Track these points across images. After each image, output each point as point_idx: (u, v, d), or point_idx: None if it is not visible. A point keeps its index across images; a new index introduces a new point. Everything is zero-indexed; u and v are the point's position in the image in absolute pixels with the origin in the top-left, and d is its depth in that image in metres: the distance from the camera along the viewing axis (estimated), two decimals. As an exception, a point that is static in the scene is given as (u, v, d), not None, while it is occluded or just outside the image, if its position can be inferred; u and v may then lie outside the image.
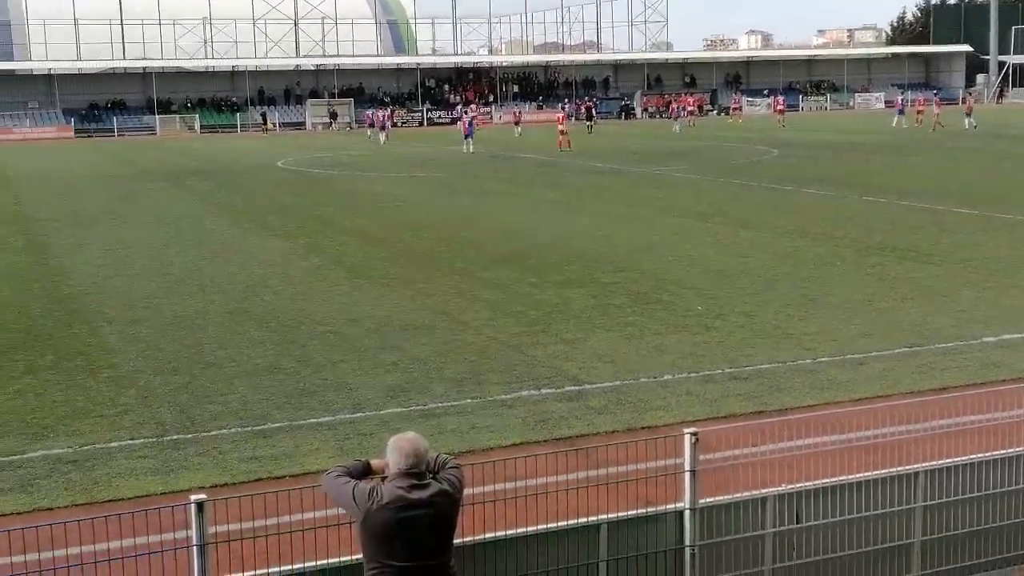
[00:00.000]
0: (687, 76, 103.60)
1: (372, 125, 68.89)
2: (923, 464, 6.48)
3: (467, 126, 53.08)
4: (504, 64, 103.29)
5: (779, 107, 77.06)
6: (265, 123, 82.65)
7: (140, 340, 13.98)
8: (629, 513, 5.91)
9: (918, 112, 64.50)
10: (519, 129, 67.64)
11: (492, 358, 12.74)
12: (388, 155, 50.46)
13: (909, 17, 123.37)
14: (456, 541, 5.30)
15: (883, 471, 6.49)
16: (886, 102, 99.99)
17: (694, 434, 5.89)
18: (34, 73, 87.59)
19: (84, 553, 5.46)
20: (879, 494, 6.35)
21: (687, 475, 5.91)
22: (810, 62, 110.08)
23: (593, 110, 71.36)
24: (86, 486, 8.95)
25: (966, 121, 59.08)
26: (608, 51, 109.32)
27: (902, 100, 71.64)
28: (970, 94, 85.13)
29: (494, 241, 22.00)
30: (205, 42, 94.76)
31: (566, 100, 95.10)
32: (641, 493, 6.39)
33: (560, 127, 52.21)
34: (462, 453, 8.87)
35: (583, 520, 5.81)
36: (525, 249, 20.78)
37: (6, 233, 25.11)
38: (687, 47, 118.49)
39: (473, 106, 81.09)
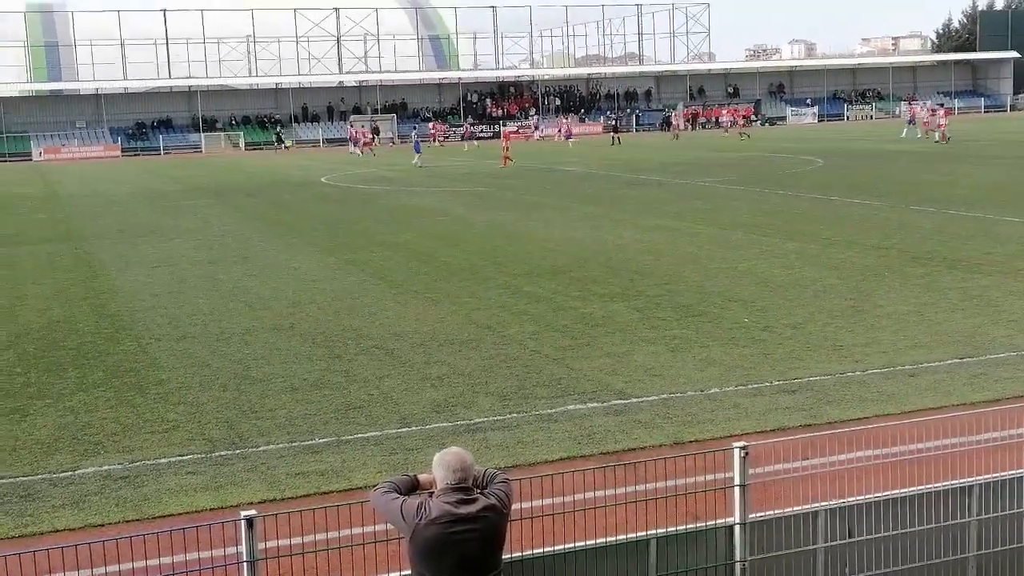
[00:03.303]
0: (730, 86, 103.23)
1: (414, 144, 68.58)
2: (978, 478, 6.37)
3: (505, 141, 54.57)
4: (546, 78, 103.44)
5: (740, 120, 76.74)
6: (280, 141, 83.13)
7: (188, 356, 14.11)
8: (678, 528, 5.86)
9: (924, 124, 63.39)
10: (571, 142, 69.05)
11: (537, 372, 12.72)
12: (430, 170, 50.66)
13: (955, 24, 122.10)
14: (505, 556, 5.28)
15: (937, 485, 6.39)
16: (931, 110, 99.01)
17: (744, 448, 5.83)
18: (81, 93, 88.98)
19: (136, 569, 5.51)
20: (933, 508, 6.25)
21: (737, 490, 5.85)
22: (855, 71, 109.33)
23: (617, 123, 75.42)
24: (137, 502, 9.03)
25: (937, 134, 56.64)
26: (650, 63, 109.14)
27: (915, 110, 70.71)
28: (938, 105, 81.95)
29: (538, 255, 22.00)
30: (249, 60, 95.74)
31: (608, 112, 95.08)
32: (689, 508, 6.34)
33: (504, 143, 54.58)
34: (508, 468, 8.85)
35: (632, 536, 5.77)
36: (569, 262, 20.75)
37: (56, 251, 25.46)
38: (730, 57, 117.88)
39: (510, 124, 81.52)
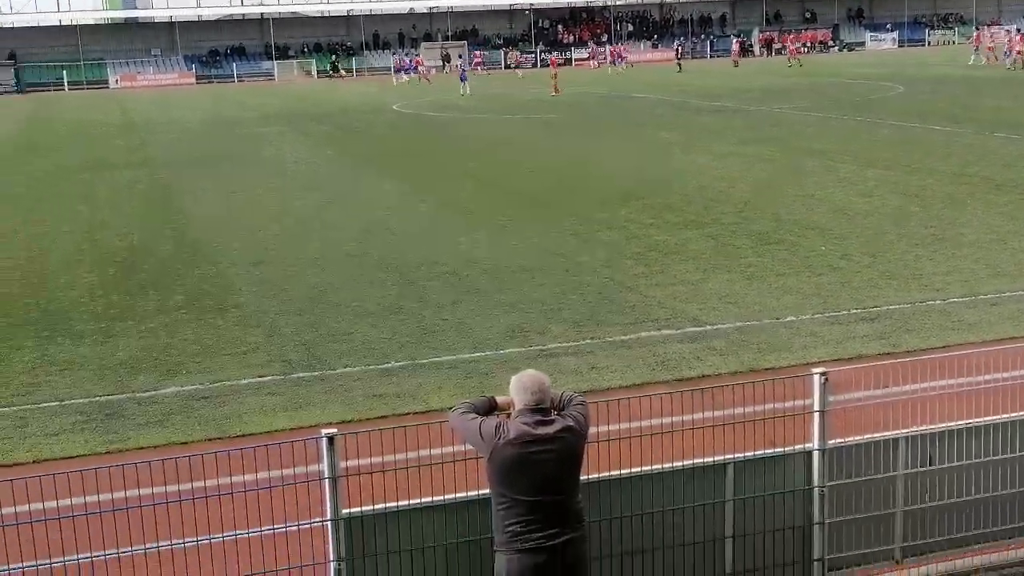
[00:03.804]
0: (807, 11, 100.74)
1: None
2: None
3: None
4: (619, 3, 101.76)
5: (795, 46, 74.41)
6: (336, 69, 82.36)
7: (265, 281, 14.30)
8: (756, 453, 5.84)
9: (989, 48, 61.17)
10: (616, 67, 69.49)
11: (610, 299, 12.70)
12: (501, 98, 50.36)
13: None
14: (583, 477, 5.31)
15: (1017, 414, 6.29)
16: (995, 35, 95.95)
17: (823, 374, 5.78)
18: (156, 21, 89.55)
19: (221, 485, 5.63)
20: (1013, 437, 6.16)
21: (816, 415, 5.81)
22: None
23: (680, 50, 75.02)
24: (218, 421, 9.23)
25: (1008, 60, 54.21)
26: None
27: (981, 35, 68.08)
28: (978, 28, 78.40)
29: (609, 182, 21.84)
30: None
31: (681, 38, 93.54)
32: (765, 434, 6.30)
33: (553, 71, 53.85)
34: (583, 392, 8.87)
35: (709, 459, 5.77)
36: (641, 190, 20.58)
37: (134, 177, 25.86)
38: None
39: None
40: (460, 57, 73.26)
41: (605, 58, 78.27)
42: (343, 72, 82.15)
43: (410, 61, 74.25)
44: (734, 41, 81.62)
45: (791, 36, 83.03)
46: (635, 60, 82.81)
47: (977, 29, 75.88)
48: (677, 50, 74.98)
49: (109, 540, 5.49)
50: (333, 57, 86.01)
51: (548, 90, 50.67)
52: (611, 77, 65.09)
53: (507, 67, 79.81)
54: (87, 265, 15.78)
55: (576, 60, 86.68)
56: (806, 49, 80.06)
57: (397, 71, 71.65)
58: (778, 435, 6.27)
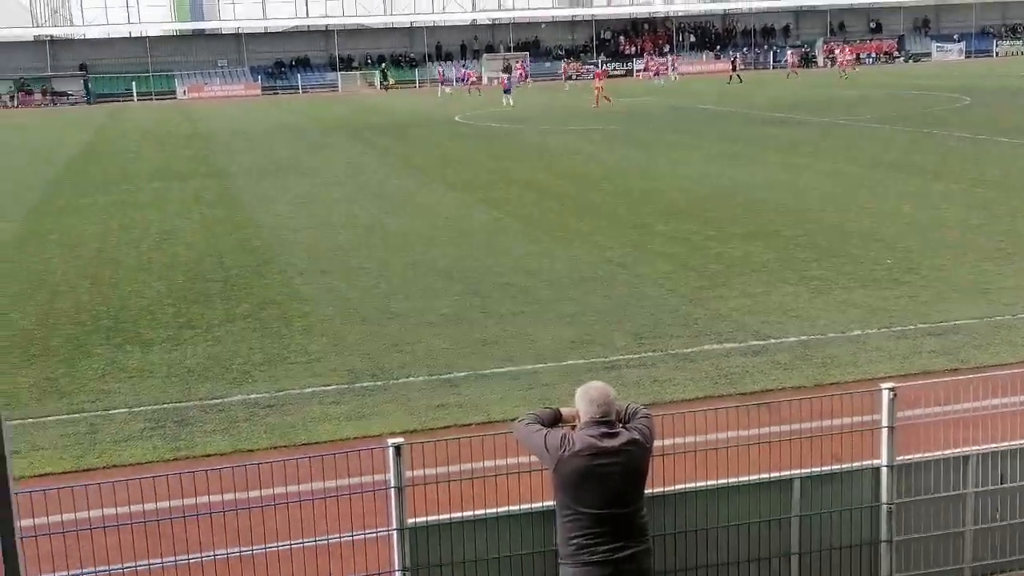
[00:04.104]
0: (872, 22, 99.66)
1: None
2: None
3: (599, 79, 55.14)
4: (680, 13, 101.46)
5: (846, 57, 73.54)
6: (385, 79, 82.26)
7: (330, 290, 14.45)
8: (823, 468, 5.79)
9: None
10: (668, 78, 69.70)
11: (673, 311, 12.65)
12: (562, 108, 50.40)
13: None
14: (647, 491, 5.30)
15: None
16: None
17: (892, 389, 5.72)
18: (223, 32, 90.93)
19: (288, 493, 5.71)
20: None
21: (884, 431, 5.75)
22: (1005, 4, 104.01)
23: (735, 62, 74.19)
24: (283, 429, 9.34)
25: None
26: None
27: None
28: None
29: (671, 193, 21.76)
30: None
31: (744, 49, 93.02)
32: (830, 449, 6.25)
33: (597, 83, 53.34)
34: (646, 406, 8.85)
35: (775, 474, 5.73)
36: (704, 202, 20.48)
37: (201, 187, 26.26)
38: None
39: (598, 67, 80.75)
40: (505, 71, 73.52)
41: (666, 68, 78.16)
42: (391, 83, 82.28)
43: (462, 72, 74.64)
44: (789, 52, 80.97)
45: (840, 47, 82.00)
46: (695, 71, 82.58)
47: None
48: (732, 62, 74.24)
49: (179, 546, 5.59)
50: (383, 66, 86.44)
51: (591, 102, 50.63)
52: (664, 88, 64.90)
53: (567, 78, 79.86)
54: (156, 273, 16.05)
55: (637, 71, 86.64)
56: (860, 60, 79.15)
57: (441, 83, 72.18)
58: (844, 451, 6.21)
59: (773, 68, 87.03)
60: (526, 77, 79.08)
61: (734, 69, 70.50)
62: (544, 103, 53.67)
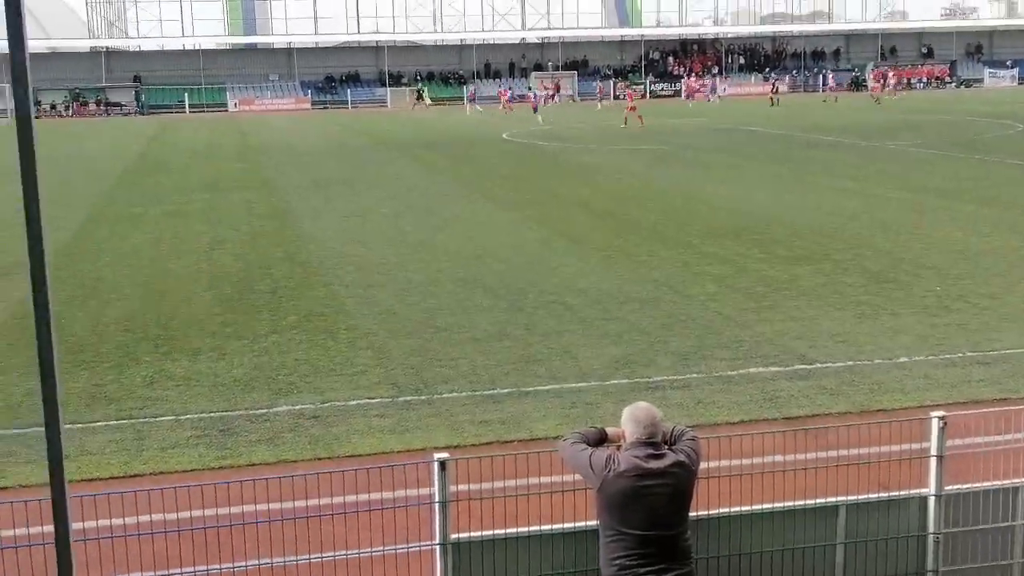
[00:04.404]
0: (924, 47, 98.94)
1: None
2: None
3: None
4: (730, 35, 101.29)
5: (884, 82, 73.42)
6: (420, 98, 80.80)
7: (376, 304, 14.53)
8: (870, 496, 5.75)
9: None
10: (708, 100, 69.48)
11: (718, 333, 12.59)
12: (610, 128, 50.44)
13: None
14: (692, 513, 5.28)
15: None
16: None
17: (942, 418, 5.66)
18: (275, 47, 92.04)
19: (335, 504, 5.75)
20: None
21: (932, 460, 5.69)
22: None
23: (776, 84, 74.80)
24: (327, 441, 9.39)
25: None
26: (839, 20, 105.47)
27: None
28: None
29: (719, 214, 21.69)
30: (435, 16, 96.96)
31: (793, 72, 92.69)
32: (876, 477, 6.20)
33: (630, 103, 53.59)
34: (691, 427, 8.82)
35: (821, 500, 5.69)
36: (751, 223, 20.39)
37: (252, 199, 26.53)
38: (924, 16, 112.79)
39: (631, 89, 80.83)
40: (529, 89, 73.89)
41: (704, 89, 78.08)
42: (427, 101, 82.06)
43: (499, 91, 75.06)
44: (828, 75, 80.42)
45: (874, 72, 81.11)
46: (742, 92, 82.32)
47: None
48: (773, 85, 73.98)
49: (224, 554, 5.65)
50: (419, 85, 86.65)
51: (620, 122, 50.70)
52: (702, 110, 64.72)
53: (615, 97, 79.87)
54: (204, 283, 16.23)
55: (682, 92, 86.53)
56: (911, 85, 78.58)
57: (471, 101, 72.63)
58: (892, 478, 6.16)
59: (823, 91, 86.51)
60: (553, 96, 79.25)
61: (775, 91, 70.30)
62: (574, 121, 53.75)
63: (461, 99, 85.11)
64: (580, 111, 67.27)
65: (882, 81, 77.22)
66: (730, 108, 66.27)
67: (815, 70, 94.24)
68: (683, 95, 78.92)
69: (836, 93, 72.58)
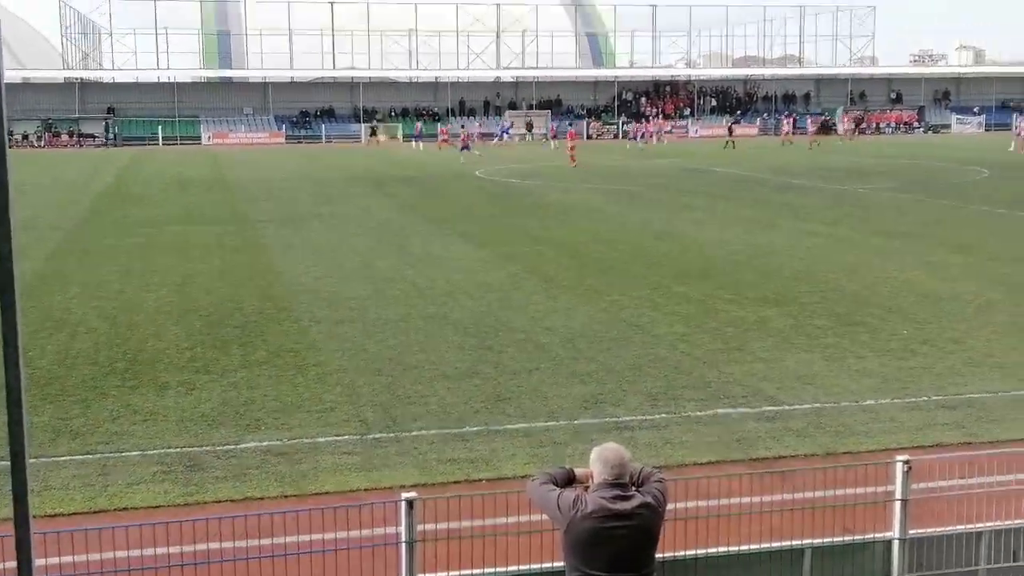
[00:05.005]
0: (893, 92, 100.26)
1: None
2: None
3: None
4: (702, 77, 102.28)
5: (785, 130, 73.41)
6: (374, 134, 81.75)
7: (346, 340, 14.51)
8: (835, 539, 5.78)
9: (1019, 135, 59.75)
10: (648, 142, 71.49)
11: (687, 374, 12.66)
12: (583, 167, 50.71)
13: None
14: (657, 555, 5.30)
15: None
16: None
17: (907, 462, 5.72)
18: (250, 81, 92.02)
19: (300, 543, 5.72)
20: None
21: (897, 504, 5.74)
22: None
23: (731, 127, 75.11)
24: (294, 478, 9.35)
25: None
26: (810, 65, 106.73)
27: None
28: None
29: (689, 255, 21.83)
30: (411, 53, 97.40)
31: (764, 115, 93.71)
32: (841, 520, 6.23)
33: (570, 143, 54.96)
34: (659, 468, 8.85)
35: (787, 543, 5.73)
36: (721, 265, 20.54)
37: (224, 233, 26.46)
38: (893, 62, 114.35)
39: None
40: (463, 127, 73.73)
41: (650, 132, 78.22)
42: (380, 139, 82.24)
43: (440, 129, 74.74)
44: (784, 119, 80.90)
45: (846, 116, 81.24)
46: (712, 135, 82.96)
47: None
48: (729, 127, 74.55)
49: (188, 591, 5.61)
50: (373, 122, 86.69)
51: (567, 162, 51.17)
52: (642, 152, 65.20)
53: (554, 138, 79.96)
54: (174, 317, 16.15)
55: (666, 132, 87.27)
56: (879, 129, 79.07)
57: (416, 138, 72.96)
58: (857, 522, 6.20)
59: (793, 134, 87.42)
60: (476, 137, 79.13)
61: (730, 134, 70.87)
62: (510, 160, 54.01)
63: (435, 136, 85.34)
64: (525, 150, 67.81)
65: (850, 125, 77.99)
66: (667, 149, 66.75)
67: (786, 113, 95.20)
68: (633, 135, 79.16)
69: (795, 137, 72.36)
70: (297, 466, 9.65)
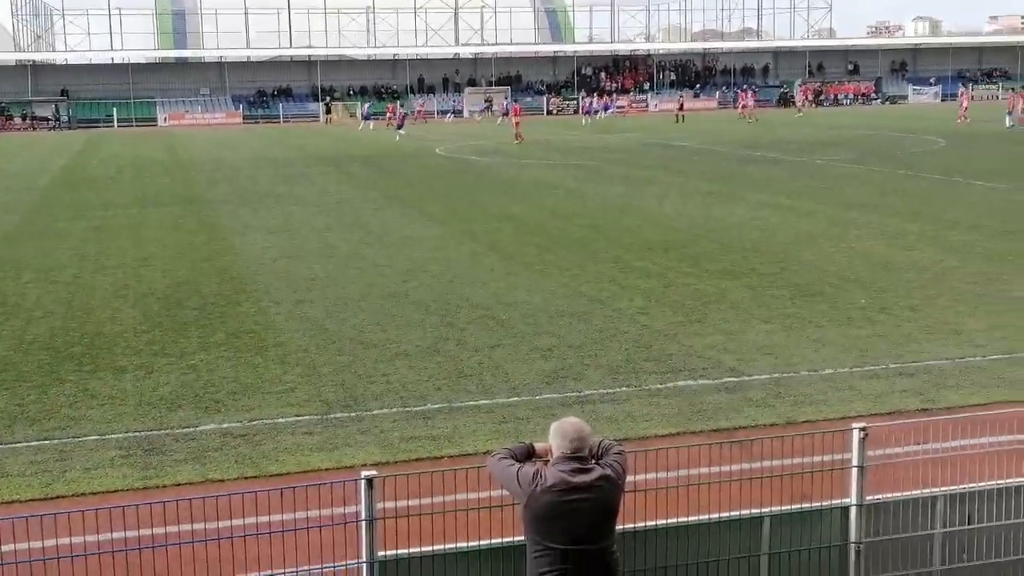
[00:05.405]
0: (850, 63, 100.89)
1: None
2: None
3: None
4: (661, 52, 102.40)
5: (744, 103, 72.33)
6: (328, 112, 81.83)
7: (306, 320, 14.43)
8: (793, 507, 5.82)
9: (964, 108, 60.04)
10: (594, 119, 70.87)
11: (647, 347, 12.70)
12: (543, 143, 50.66)
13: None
14: (618, 527, 5.31)
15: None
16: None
17: (863, 429, 5.76)
18: (206, 61, 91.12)
19: (259, 523, 5.69)
20: (1056, 498, 6.10)
21: (854, 471, 5.79)
22: (981, 49, 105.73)
23: (683, 102, 74.76)
24: (255, 459, 9.30)
25: (1007, 119, 53.81)
26: (768, 38, 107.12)
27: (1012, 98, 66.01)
28: (1013, 90, 75.46)
29: (649, 229, 21.88)
30: (368, 31, 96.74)
31: (723, 88, 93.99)
32: (799, 488, 6.28)
33: (515, 119, 54.49)
34: (619, 440, 8.87)
35: (746, 512, 5.76)
36: (681, 238, 20.61)
37: (181, 213, 26.21)
38: (851, 34, 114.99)
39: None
40: (402, 106, 72.97)
41: (596, 106, 77.52)
42: (333, 116, 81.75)
43: (389, 108, 73.28)
44: (739, 92, 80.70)
45: (742, 92, 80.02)
46: (671, 108, 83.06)
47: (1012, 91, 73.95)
48: (680, 102, 74.23)
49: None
50: (327, 99, 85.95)
51: (512, 139, 50.92)
52: (589, 126, 65.21)
53: (504, 115, 79.60)
54: (131, 300, 15.99)
55: (617, 108, 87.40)
56: (836, 101, 79.37)
57: (365, 118, 71.93)
58: (815, 489, 6.24)
59: (739, 109, 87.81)
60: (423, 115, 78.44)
61: (680, 108, 70.66)
62: (479, 135, 53.93)
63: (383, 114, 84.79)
64: (486, 127, 67.57)
65: (805, 96, 78.16)
66: (615, 124, 66.84)
67: (744, 86, 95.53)
68: (585, 109, 78.85)
69: (752, 110, 71.65)
70: (258, 447, 9.60)
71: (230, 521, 5.80)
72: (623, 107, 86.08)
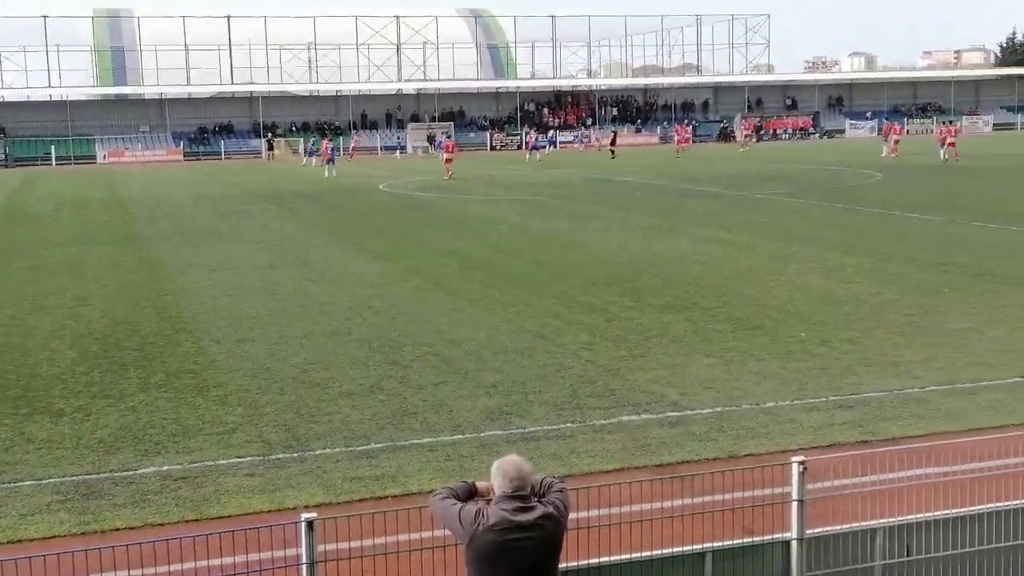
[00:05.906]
0: (788, 98, 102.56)
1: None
2: (1040, 499, 6.29)
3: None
4: (603, 87, 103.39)
5: (680, 138, 73.12)
6: (271, 148, 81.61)
7: (247, 359, 14.29)
8: (735, 542, 5.86)
9: (895, 142, 61.18)
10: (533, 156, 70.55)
11: (591, 382, 12.73)
12: (487, 179, 50.83)
13: (1020, 38, 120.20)
14: (560, 565, 5.31)
15: (998, 504, 6.32)
16: (995, 125, 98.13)
17: (802, 463, 5.82)
18: (146, 97, 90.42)
19: (198, 569, 5.61)
20: (994, 528, 6.19)
21: (794, 504, 5.84)
22: (915, 84, 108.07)
23: (615, 136, 76.45)
24: (196, 502, 9.16)
25: (942, 152, 54.40)
26: (708, 73, 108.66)
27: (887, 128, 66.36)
28: (945, 124, 76.29)
29: (592, 264, 22.00)
30: (310, 67, 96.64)
31: (664, 123, 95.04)
32: (744, 522, 6.32)
33: (446, 155, 53.94)
34: (562, 477, 8.87)
35: (688, 548, 5.78)
36: (623, 273, 20.73)
37: (119, 252, 25.90)
38: (789, 69, 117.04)
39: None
40: (326, 142, 72.35)
41: (535, 147, 76.87)
42: (275, 152, 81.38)
43: (313, 147, 72.59)
44: (676, 127, 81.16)
45: (678, 127, 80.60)
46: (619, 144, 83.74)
47: (944, 124, 74.98)
48: (612, 137, 75.09)
49: (83, 624, 5.45)
50: (269, 136, 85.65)
51: (443, 175, 50.93)
52: (597, 159, 65.77)
53: (492, 148, 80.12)
54: (68, 340, 15.75)
55: (561, 143, 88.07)
56: (775, 136, 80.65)
57: (308, 154, 71.75)
58: (757, 523, 6.29)
59: (693, 142, 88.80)
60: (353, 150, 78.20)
61: (613, 143, 71.79)
62: (423, 171, 54.11)
63: (336, 150, 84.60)
64: (429, 163, 67.58)
65: (748, 131, 79.21)
66: (597, 159, 67.45)
67: (685, 121, 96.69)
68: (528, 146, 78.79)
69: (685, 146, 72.19)
70: (199, 490, 9.46)
71: (168, 567, 5.71)
72: (573, 141, 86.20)
